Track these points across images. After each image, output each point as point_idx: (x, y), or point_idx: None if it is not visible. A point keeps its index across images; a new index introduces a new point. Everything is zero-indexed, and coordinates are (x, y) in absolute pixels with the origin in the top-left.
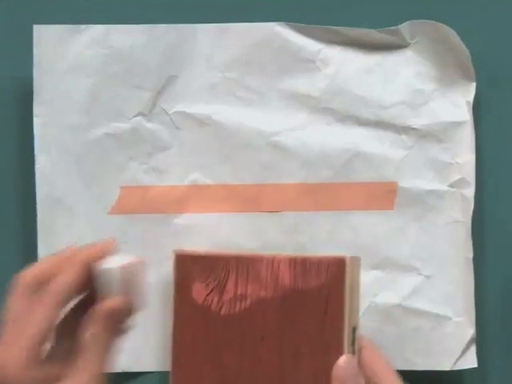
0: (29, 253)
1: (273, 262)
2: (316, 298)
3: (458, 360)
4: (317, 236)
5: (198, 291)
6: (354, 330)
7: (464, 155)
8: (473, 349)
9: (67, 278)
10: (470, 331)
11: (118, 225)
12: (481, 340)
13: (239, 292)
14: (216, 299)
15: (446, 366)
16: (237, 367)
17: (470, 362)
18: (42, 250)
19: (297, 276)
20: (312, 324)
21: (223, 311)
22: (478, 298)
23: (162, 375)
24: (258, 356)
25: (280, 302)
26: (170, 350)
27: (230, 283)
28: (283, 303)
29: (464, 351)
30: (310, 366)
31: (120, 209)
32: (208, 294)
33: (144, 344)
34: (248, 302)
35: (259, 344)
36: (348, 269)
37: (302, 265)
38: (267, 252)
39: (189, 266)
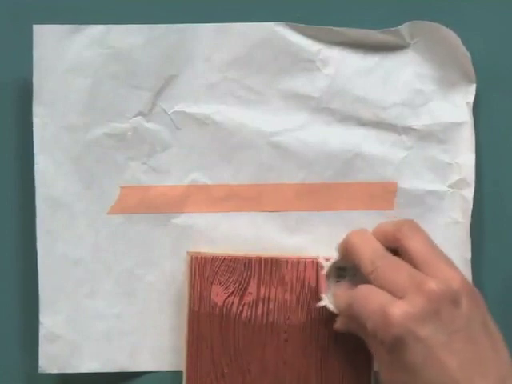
0: (28, 253)
1: (298, 265)
2: None
3: None
4: (317, 236)
5: (217, 293)
6: None
7: (464, 156)
8: None
9: None
10: None
11: (117, 225)
12: None
13: (262, 294)
14: (236, 301)
15: None
16: (259, 370)
17: None
18: (42, 251)
19: (323, 278)
20: None
21: (244, 314)
22: None
23: (162, 375)
24: (281, 358)
25: (306, 304)
26: (183, 352)
27: (251, 285)
28: (309, 306)
29: None
30: (337, 367)
31: (120, 209)
32: (228, 297)
33: (143, 344)
34: (271, 305)
35: (283, 346)
36: None
37: None
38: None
39: (206, 268)
